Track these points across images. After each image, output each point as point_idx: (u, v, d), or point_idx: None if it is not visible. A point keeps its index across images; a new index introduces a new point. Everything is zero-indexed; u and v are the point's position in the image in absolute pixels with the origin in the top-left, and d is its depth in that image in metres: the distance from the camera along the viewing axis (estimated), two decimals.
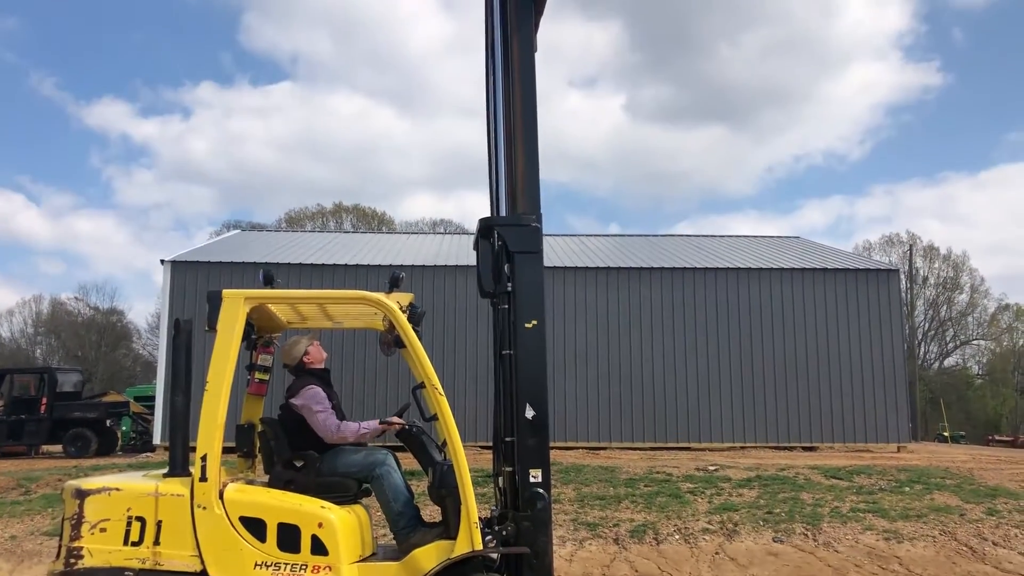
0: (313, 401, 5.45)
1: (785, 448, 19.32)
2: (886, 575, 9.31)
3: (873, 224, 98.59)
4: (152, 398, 21.32)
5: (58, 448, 20.38)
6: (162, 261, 20.20)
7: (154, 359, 38.15)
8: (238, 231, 34.13)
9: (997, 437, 39.49)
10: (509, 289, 5.53)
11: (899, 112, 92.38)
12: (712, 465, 14.06)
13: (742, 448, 19.14)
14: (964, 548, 10.08)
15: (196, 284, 19.43)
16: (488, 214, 5.95)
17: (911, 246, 52.60)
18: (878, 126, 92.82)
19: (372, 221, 54.21)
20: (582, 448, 18.29)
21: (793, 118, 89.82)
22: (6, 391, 21.06)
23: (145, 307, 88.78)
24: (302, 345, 5.75)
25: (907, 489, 12.35)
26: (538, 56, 5.90)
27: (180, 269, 20.04)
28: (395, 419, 5.51)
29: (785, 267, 20.98)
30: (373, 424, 5.49)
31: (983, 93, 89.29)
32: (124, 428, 21.55)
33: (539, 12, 5.94)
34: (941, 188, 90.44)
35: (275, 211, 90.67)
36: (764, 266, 20.98)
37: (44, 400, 20.19)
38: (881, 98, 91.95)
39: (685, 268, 20.76)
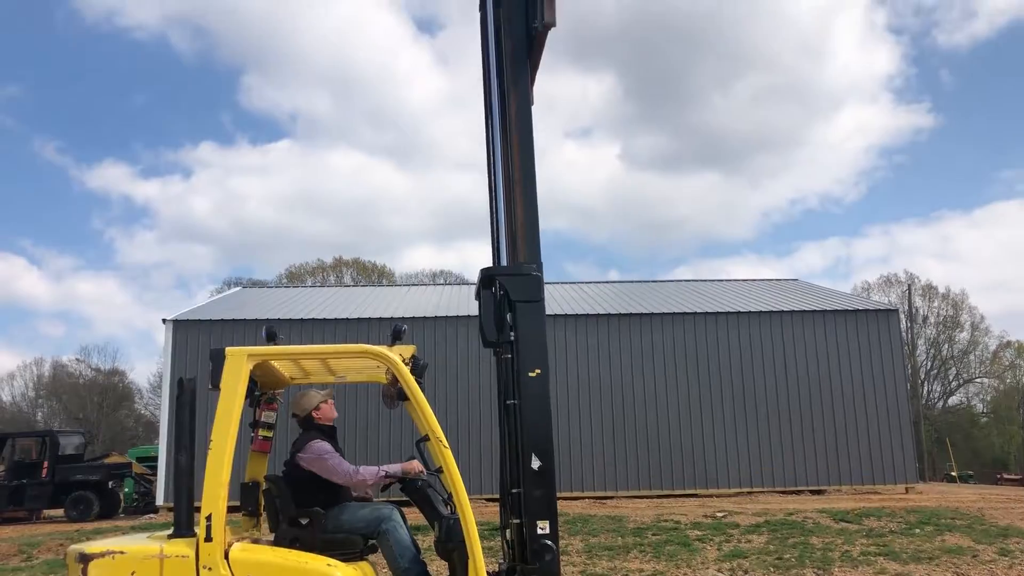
0: (322, 451, 5.45)
1: (793, 492, 19.15)
2: None
3: (871, 265, 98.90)
4: (154, 458, 21.20)
5: (60, 512, 20.18)
6: (164, 320, 20.24)
7: (156, 419, 37.99)
8: (239, 288, 34.21)
9: (1006, 476, 39.13)
10: (512, 338, 5.54)
11: (892, 153, 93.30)
12: (720, 511, 13.93)
13: (749, 493, 18.97)
14: None
15: (198, 342, 19.43)
16: (489, 264, 5.99)
17: (909, 286, 52.68)
18: (872, 168, 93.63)
19: (372, 274, 54.35)
20: (588, 498, 18.14)
21: (787, 162, 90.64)
22: (7, 456, 20.93)
23: (146, 367, 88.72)
24: (315, 399, 5.75)
25: (918, 531, 12.23)
26: (534, 108, 6.00)
27: (182, 328, 20.05)
28: (416, 463, 5.48)
29: (785, 310, 21.01)
30: (396, 467, 5.46)
31: (974, 132, 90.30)
32: (127, 490, 21.35)
33: (534, 68, 6.05)
34: (937, 227, 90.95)
35: (276, 267, 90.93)
36: (764, 309, 21.01)
37: (45, 464, 20.04)
38: (874, 140, 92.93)
39: (686, 313, 20.78)
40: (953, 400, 55.59)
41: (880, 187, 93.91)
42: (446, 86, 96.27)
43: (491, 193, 6.35)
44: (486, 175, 6.38)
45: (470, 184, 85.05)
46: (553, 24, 5.68)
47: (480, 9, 6.56)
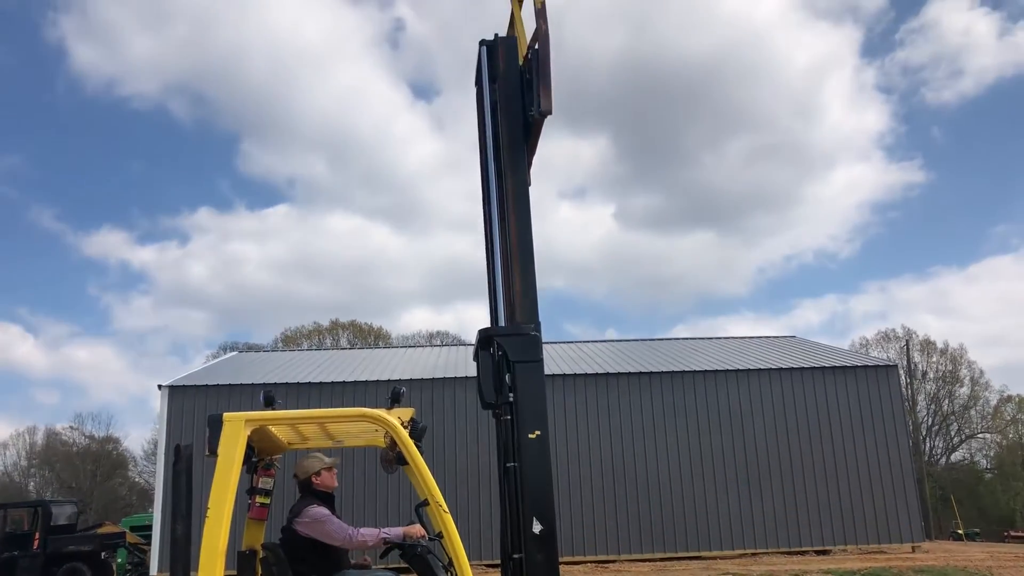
0: (319, 516, 5.38)
1: (797, 552, 18.86)
2: None
3: (868, 321, 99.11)
4: (148, 527, 20.87)
5: None
6: (160, 386, 20.12)
7: (150, 487, 37.51)
8: (235, 353, 34.13)
9: (1013, 533, 38.60)
10: (511, 399, 5.51)
11: (885, 210, 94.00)
12: (725, 574, 13.70)
13: (753, 555, 18.68)
14: None
15: (194, 408, 19.30)
16: (487, 325, 5.99)
17: (907, 341, 52.67)
18: (866, 224, 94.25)
19: (369, 336, 54.24)
20: (591, 562, 17.85)
21: (782, 220, 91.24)
22: None
23: (141, 434, 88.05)
24: (316, 465, 5.69)
25: None
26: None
27: (178, 394, 19.93)
28: (417, 528, 5.39)
29: (784, 367, 20.96)
30: (396, 531, 5.37)
31: (966, 187, 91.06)
32: (120, 560, 20.97)
33: (532, 152, 6.17)
34: (932, 283, 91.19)
35: (272, 331, 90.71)
36: (763, 367, 20.95)
37: (37, 535, 19.72)
38: (867, 197, 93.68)
39: (685, 371, 20.71)
40: (956, 456, 55.16)
41: (875, 243, 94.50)
42: (442, 149, 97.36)
43: (488, 255, 6.37)
44: (483, 237, 6.42)
45: (467, 245, 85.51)
46: (549, 112, 5.83)
47: (476, 85, 6.68)
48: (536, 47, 5.90)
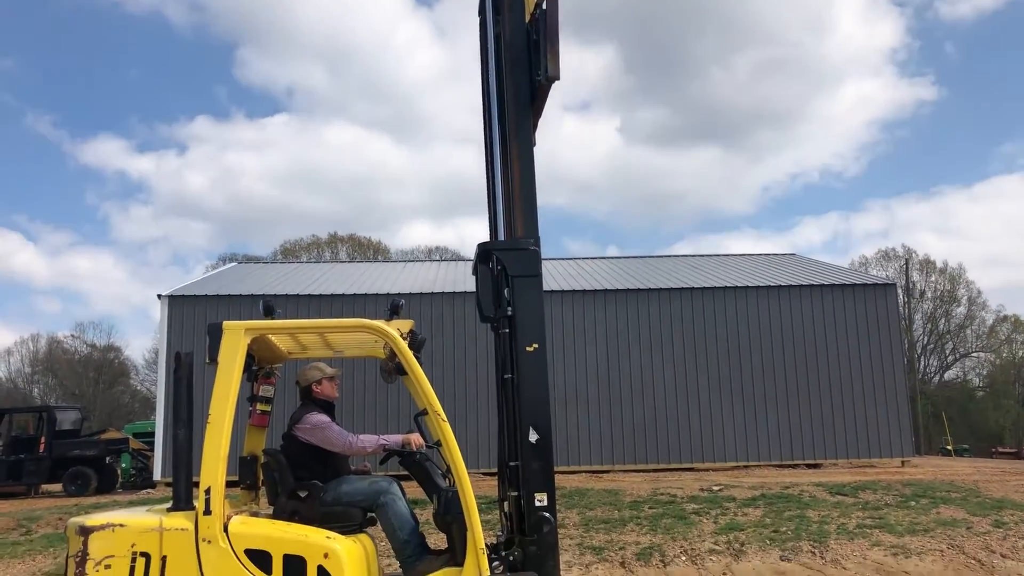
0: (319, 423, 5.47)
1: (789, 466, 19.26)
2: None
3: (870, 239, 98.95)
4: (151, 434, 21.25)
5: (58, 487, 20.24)
6: (159, 296, 20.20)
7: (152, 395, 38.01)
8: (234, 264, 34.18)
9: (1001, 449, 39.40)
10: (509, 313, 5.54)
11: (894, 127, 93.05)
12: (716, 485, 14.01)
13: (745, 467, 19.08)
14: (972, 561, 10.03)
15: (194, 318, 19.42)
16: (486, 239, 5.97)
17: (907, 260, 52.79)
18: (874, 142, 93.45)
19: (368, 250, 54.27)
20: (585, 472, 18.23)
21: (788, 137, 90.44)
22: (5, 431, 20.96)
23: (142, 343, 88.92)
24: (317, 374, 5.76)
25: (913, 504, 12.31)
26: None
27: (177, 303, 20.03)
28: (416, 436, 5.49)
29: (783, 284, 21.02)
30: (395, 438, 5.47)
31: (977, 105, 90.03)
32: (124, 465, 21.42)
33: (537, 115, 5.97)
34: (936, 202, 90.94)
35: (272, 243, 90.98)
36: (762, 284, 21.02)
37: (43, 439, 20.08)
38: (876, 114, 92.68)
39: (683, 288, 20.78)
40: (949, 374, 55.92)
41: (881, 161, 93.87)
42: (444, 58, 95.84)
43: (488, 169, 6.31)
44: (483, 150, 6.35)
45: (468, 159, 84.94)
46: (557, 78, 5.61)
47: (480, 15, 6.45)
48: (544, 5, 5.64)
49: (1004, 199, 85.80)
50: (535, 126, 5.92)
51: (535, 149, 5.84)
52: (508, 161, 5.82)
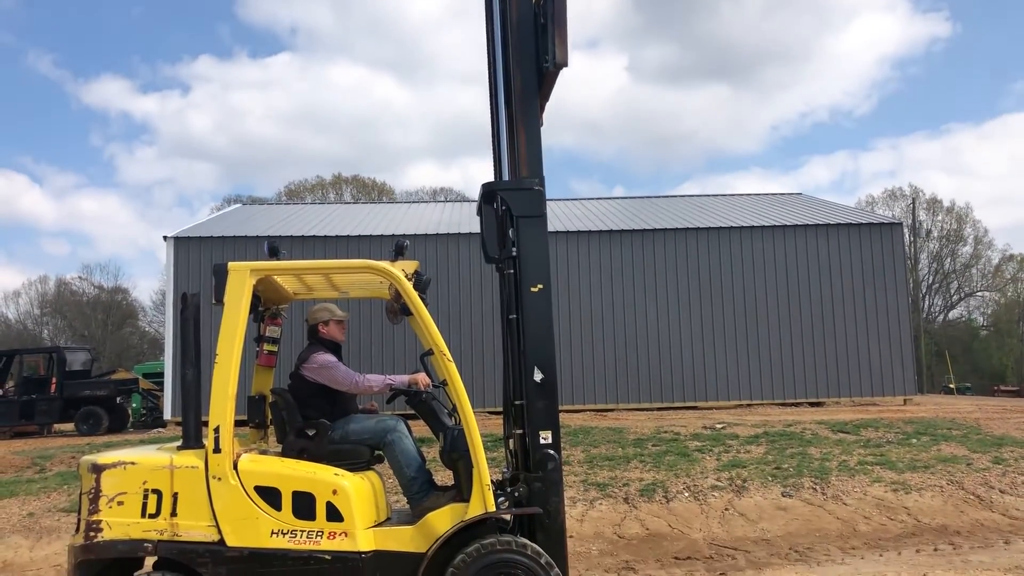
0: (325, 362, 5.52)
1: (791, 404, 19.42)
2: (894, 525, 9.40)
3: (878, 179, 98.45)
4: (160, 374, 21.44)
5: (70, 427, 20.53)
6: (165, 237, 20.22)
7: (160, 336, 38.28)
8: (239, 205, 34.11)
9: (1003, 387, 39.62)
10: (514, 254, 5.55)
11: (906, 65, 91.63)
12: (719, 423, 14.15)
13: (748, 405, 19.24)
14: (971, 497, 10.17)
15: (200, 259, 19.45)
16: (491, 180, 5.95)
17: (914, 199, 52.44)
18: (885, 79, 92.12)
19: (372, 191, 54.04)
20: (589, 410, 18.40)
21: (798, 75, 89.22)
22: (16, 371, 21.18)
23: (149, 284, 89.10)
24: (325, 315, 5.79)
25: (914, 441, 12.43)
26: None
27: (183, 245, 20.05)
28: (422, 376, 5.55)
29: (788, 224, 20.94)
30: (401, 378, 5.54)
31: (990, 41, 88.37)
32: (134, 405, 21.69)
33: (544, 98, 5.85)
34: (945, 140, 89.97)
35: (277, 184, 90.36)
36: (767, 224, 20.93)
37: (54, 380, 20.30)
38: (888, 51, 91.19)
39: (688, 228, 20.71)
40: (954, 314, 55.97)
41: (891, 99, 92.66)
42: None
43: (493, 109, 6.26)
44: (487, 89, 6.29)
45: (474, 99, 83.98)
46: (565, 65, 5.49)
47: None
48: None
49: (1014, 137, 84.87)
50: (542, 108, 5.83)
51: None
52: (515, 141, 5.73)
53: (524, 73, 5.69)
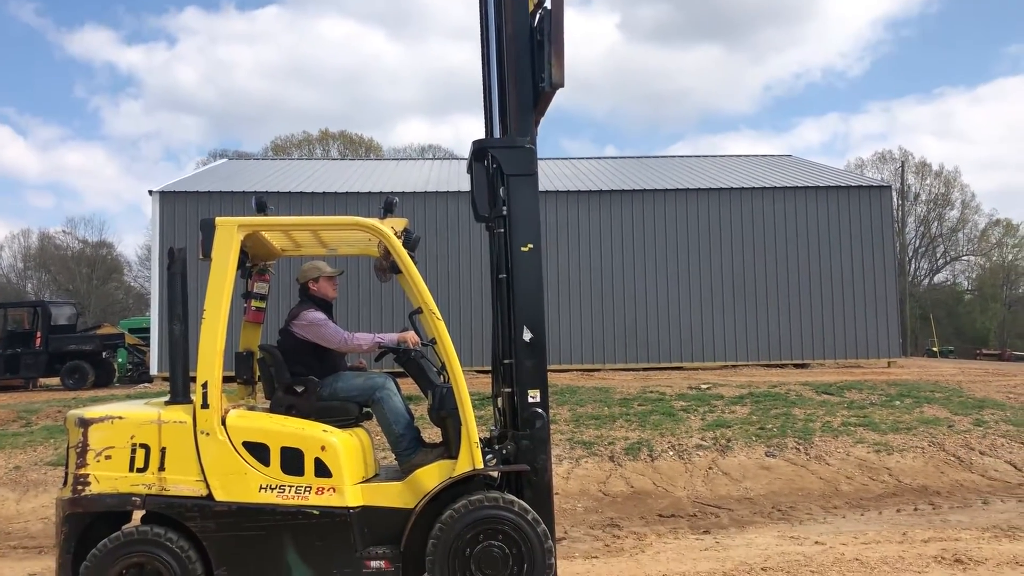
0: (315, 319, 5.51)
1: (777, 366, 19.56)
2: (876, 486, 9.53)
3: (868, 142, 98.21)
4: (146, 330, 21.37)
5: (55, 381, 20.48)
6: (150, 192, 20.03)
7: (146, 291, 38.07)
8: (225, 160, 33.81)
9: (985, 351, 40.04)
10: (504, 213, 5.51)
11: (900, 27, 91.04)
12: (705, 384, 14.25)
13: (734, 367, 19.37)
14: (952, 458, 10.32)
15: (186, 214, 19.30)
16: (482, 137, 5.89)
17: (903, 163, 52.48)
18: (878, 41, 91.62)
19: (359, 148, 53.61)
20: (576, 370, 18.49)
21: (792, 35, 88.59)
22: (0, 325, 21.06)
23: (135, 239, 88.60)
24: (314, 272, 5.76)
25: (897, 403, 12.57)
26: None
27: (169, 199, 19.88)
28: (411, 334, 5.54)
29: (777, 186, 20.92)
30: (390, 336, 5.53)
31: (986, 4, 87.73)
32: (120, 360, 21.63)
33: (540, 115, 5.75)
34: (938, 104, 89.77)
35: (265, 139, 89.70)
36: (756, 185, 20.91)
37: (38, 334, 20.20)
38: (882, 12, 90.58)
39: (677, 189, 20.68)
40: (939, 277, 56.33)
41: (884, 61, 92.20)
42: None
43: (484, 65, 6.17)
44: (479, 45, 6.19)
45: (466, 54, 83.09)
46: (561, 85, 5.39)
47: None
48: (548, 5, 5.36)
49: (1007, 101, 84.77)
50: (537, 123, 5.74)
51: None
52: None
53: (520, 91, 5.57)
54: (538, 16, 5.57)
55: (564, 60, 5.36)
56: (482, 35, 6.14)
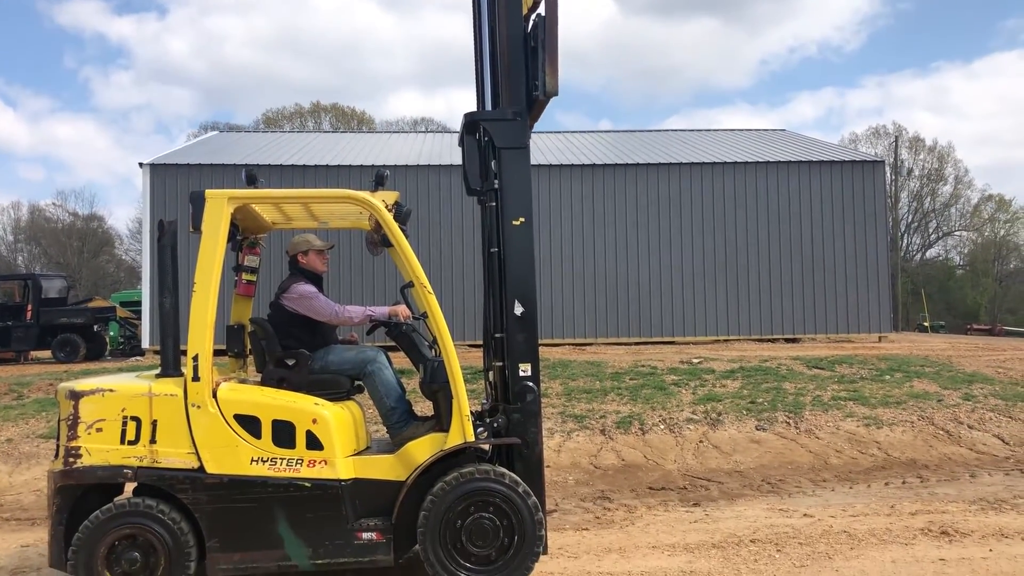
0: (306, 292, 5.52)
1: (768, 340, 19.62)
2: (865, 459, 9.61)
3: (863, 116, 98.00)
4: (138, 303, 21.31)
5: (47, 354, 20.44)
6: (141, 164, 19.90)
7: (137, 265, 37.99)
8: (216, 133, 33.58)
9: (976, 326, 40.21)
10: (496, 186, 5.50)
11: (897, 0, 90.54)
12: (696, 358, 14.30)
13: (726, 341, 19.43)
14: (941, 432, 10.39)
15: (177, 187, 19.18)
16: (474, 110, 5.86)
17: (897, 137, 52.42)
18: (875, 15, 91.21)
19: (351, 120, 53.30)
20: (568, 344, 18.53)
21: (788, 8, 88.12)
22: None
23: (126, 212, 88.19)
24: (304, 245, 5.75)
25: (887, 377, 12.63)
26: None
27: (159, 172, 19.75)
28: (403, 307, 5.54)
29: (771, 160, 20.87)
30: (382, 309, 5.53)
31: None
32: (112, 333, 21.58)
33: (533, 121, 5.70)
34: (933, 78, 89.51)
35: (257, 111, 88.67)
36: (749, 160, 20.86)
37: (29, 307, 20.13)
38: None
39: (670, 164, 20.62)
40: (931, 252, 56.47)
41: (881, 35, 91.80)
42: None
43: (476, 37, 6.13)
44: (471, 16, 6.15)
45: (461, 27, 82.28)
46: (555, 94, 5.35)
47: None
48: (542, 11, 5.31)
49: (1002, 76, 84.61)
50: (531, 127, 5.70)
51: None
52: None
53: (514, 98, 5.53)
54: (532, 22, 5.52)
55: (558, 69, 5.34)
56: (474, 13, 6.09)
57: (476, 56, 6.16)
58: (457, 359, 5.17)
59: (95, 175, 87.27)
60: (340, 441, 5.07)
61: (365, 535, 4.99)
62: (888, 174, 39.38)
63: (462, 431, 5.08)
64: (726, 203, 20.28)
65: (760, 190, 20.38)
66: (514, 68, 5.55)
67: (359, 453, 5.28)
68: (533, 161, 5.88)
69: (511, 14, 5.54)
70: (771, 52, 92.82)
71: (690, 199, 20.29)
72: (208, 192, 5.17)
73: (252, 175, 5.50)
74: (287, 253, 5.79)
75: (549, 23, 5.31)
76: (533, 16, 5.51)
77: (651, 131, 27.70)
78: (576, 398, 11.55)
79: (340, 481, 4.99)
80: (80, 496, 4.97)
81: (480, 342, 6.01)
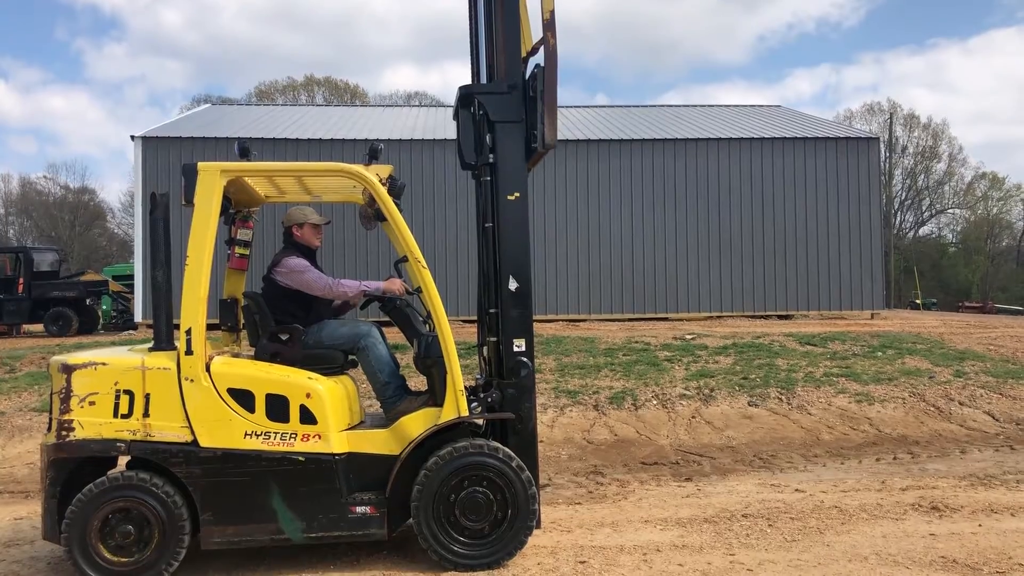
0: (298, 266, 5.49)
1: (761, 317, 19.67)
2: (856, 435, 9.66)
3: (859, 93, 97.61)
4: (130, 277, 21.23)
5: (39, 328, 20.39)
6: (133, 137, 19.76)
7: (130, 238, 37.83)
8: (208, 105, 33.34)
9: (968, 303, 40.35)
10: (491, 160, 5.47)
11: None
12: (689, 334, 14.33)
13: (719, 317, 19.46)
14: (932, 408, 10.45)
15: (169, 159, 19.05)
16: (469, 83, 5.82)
17: (891, 114, 52.33)
18: None
19: (345, 94, 52.95)
20: (562, 320, 18.55)
21: None
22: None
23: (119, 186, 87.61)
24: (298, 217, 5.71)
25: (879, 354, 12.68)
26: None
27: (151, 145, 19.61)
28: (397, 282, 5.52)
29: (765, 137, 20.82)
30: (376, 284, 5.52)
31: None
32: (104, 307, 21.52)
33: (532, 166, 5.69)
34: (930, 55, 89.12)
35: (251, 84, 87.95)
36: (744, 136, 20.81)
37: (21, 280, 20.05)
38: None
39: (665, 139, 20.55)
40: (924, 230, 56.57)
41: (879, 12, 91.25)
42: None
43: (472, 8, 6.08)
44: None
45: (456, 1, 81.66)
46: (552, 147, 5.31)
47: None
48: (541, 63, 5.27)
49: (999, 53, 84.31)
50: (529, 170, 5.66)
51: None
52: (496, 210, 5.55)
53: (512, 147, 5.50)
54: (530, 70, 5.47)
55: (556, 122, 5.31)
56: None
57: (471, 28, 6.10)
58: (451, 334, 5.16)
59: (87, 148, 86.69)
60: (334, 415, 5.06)
61: (359, 509, 5.00)
62: (882, 151, 39.32)
63: (456, 406, 5.09)
64: (720, 179, 20.25)
65: (755, 166, 20.35)
66: (509, 41, 5.50)
67: (353, 427, 5.29)
68: None
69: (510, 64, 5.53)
70: (769, 28, 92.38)
71: (684, 175, 20.25)
72: (201, 164, 5.13)
73: (245, 147, 5.45)
74: (282, 223, 5.76)
75: (548, 74, 5.27)
76: (531, 60, 5.53)
77: (646, 106, 27.60)
78: (569, 374, 11.57)
79: (334, 455, 5.00)
80: (73, 469, 4.96)
81: (474, 317, 6.01)
